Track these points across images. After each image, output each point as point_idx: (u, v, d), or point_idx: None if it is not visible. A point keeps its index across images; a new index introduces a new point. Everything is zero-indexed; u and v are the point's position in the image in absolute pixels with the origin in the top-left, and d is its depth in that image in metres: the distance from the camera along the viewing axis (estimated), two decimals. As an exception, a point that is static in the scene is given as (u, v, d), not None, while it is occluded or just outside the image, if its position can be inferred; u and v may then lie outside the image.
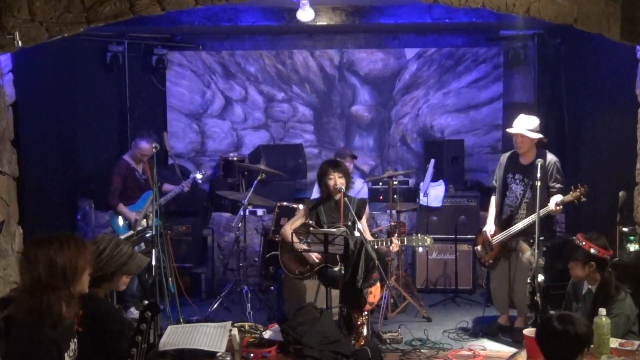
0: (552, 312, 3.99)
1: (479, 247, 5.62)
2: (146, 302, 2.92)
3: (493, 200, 5.62)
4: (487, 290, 6.33)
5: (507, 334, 5.46)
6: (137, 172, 6.32)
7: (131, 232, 5.73)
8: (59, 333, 2.70)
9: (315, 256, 5.26)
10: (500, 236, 5.39)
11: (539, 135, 5.26)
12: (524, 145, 5.27)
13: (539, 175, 4.81)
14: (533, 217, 5.02)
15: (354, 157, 7.10)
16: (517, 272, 5.36)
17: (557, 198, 5.08)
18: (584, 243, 4.19)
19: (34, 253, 2.70)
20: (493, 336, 5.40)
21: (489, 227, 5.53)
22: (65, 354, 2.75)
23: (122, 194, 6.22)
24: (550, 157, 5.29)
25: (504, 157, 5.59)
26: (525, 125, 5.25)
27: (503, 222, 5.42)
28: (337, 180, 5.25)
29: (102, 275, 3.21)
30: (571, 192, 4.97)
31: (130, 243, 3.71)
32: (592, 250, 4.15)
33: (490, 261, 5.52)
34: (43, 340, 2.64)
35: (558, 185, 5.21)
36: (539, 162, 4.90)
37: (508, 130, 5.38)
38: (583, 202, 4.97)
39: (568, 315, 3.01)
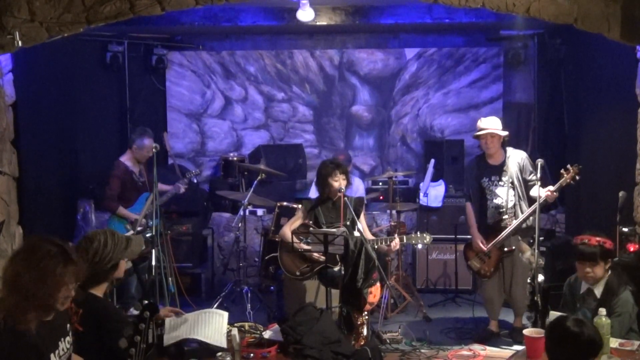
0: (559, 314, 4.00)
1: (473, 261, 5.50)
2: (145, 302, 2.91)
3: (471, 210, 5.56)
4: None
5: (498, 338, 5.46)
6: (134, 174, 6.29)
7: (131, 232, 5.73)
8: (41, 335, 2.65)
9: (316, 254, 5.26)
10: (496, 241, 5.35)
11: (506, 132, 5.37)
12: (494, 145, 5.34)
13: (539, 174, 4.82)
14: (527, 213, 5.14)
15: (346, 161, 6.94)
16: (516, 272, 5.34)
17: (540, 190, 5.07)
18: (604, 242, 4.18)
19: (28, 255, 2.64)
20: (484, 342, 5.37)
21: (479, 238, 5.44)
22: (52, 355, 2.71)
23: (120, 197, 6.18)
24: (520, 153, 5.42)
25: (471, 164, 5.65)
26: (491, 125, 5.33)
27: (493, 227, 5.38)
28: (341, 181, 5.24)
29: (112, 266, 3.26)
30: (565, 175, 5.01)
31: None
32: (609, 247, 4.18)
33: (492, 269, 5.41)
34: (20, 344, 2.58)
35: (535, 177, 5.22)
36: (539, 162, 4.94)
37: (477, 133, 5.39)
38: (578, 180, 5.03)
39: (580, 319, 2.97)
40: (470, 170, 5.61)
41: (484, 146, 5.39)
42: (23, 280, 2.59)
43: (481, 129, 5.35)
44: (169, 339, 3.87)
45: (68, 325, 2.90)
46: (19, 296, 2.59)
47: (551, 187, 5.08)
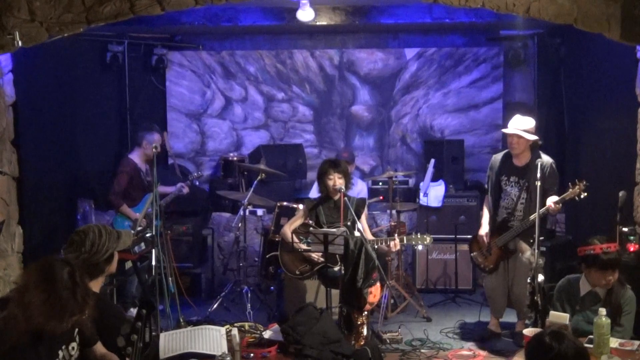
0: (558, 314, 4.00)
1: (476, 254, 5.54)
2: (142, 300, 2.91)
3: (488, 202, 5.54)
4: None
5: (499, 339, 5.46)
6: (142, 172, 6.31)
7: (131, 232, 5.72)
8: (37, 348, 2.66)
9: (316, 255, 5.27)
10: (500, 240, 5.35)
11: (535, 137, 5.22)
12: (520, 147, 5.23)
13: (538, 175, 4.80)
14: (533, 217, 5.06)
15: (349, 162, 6.94)
16: (517, 274, 5.34)
17: (554, 197, 5.07)
18: (617, 248, 4.17)
19: (44, 281, 2.65)
20: (484, 342, 5.37)
21: (485, 230, 5.44)
22: None
23: (126, 195, 6.21)
24: (547, 159, 5.25)
25: (496, 158, 5.52)
26: (521, 125, 5.21)
27: (499, 225, 5.38)
28: (336, 180, 5.25)
29: (109, 256, 3.28)
30: (570, 189, 4.96)
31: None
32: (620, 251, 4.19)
33: (491, 266, 5.44)
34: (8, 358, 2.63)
35: (554, 188, 5.20)
36: (539, 162, 4.91)
37: (503, 130, 5.34)
38: (584, 197, 4.93)
39: (560, 332, 2.90)
40: (494, 163, 5.50)
41: (509, 144, 5.31)
42: (32, 304, 2.60)
43: (509, 128, 5.25)
44: (166, 353, 3.86)
45: (76, 330, 2.90)
46: (22, 313, 2.61)
47: (555, 198, 5.02)
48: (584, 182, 4.91)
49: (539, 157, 5.20)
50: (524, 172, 5.26)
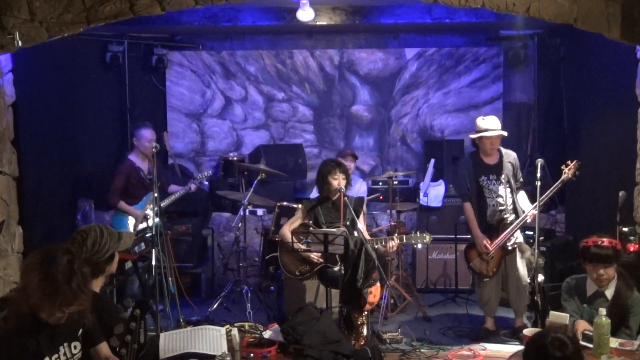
0: (558, 314, 3.99)
1: (475, 262, 5.49)
2: (137, 300, 2.88)
3: (471, 210, 5.52)
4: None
5: (496, 337, 5.46)
6: (142, 171, 6.30)
7: (132, 233, 5.72)
8: (39, 337, 2.67)
9: (315, 255, 5.27)
10: (498, 240, 5.35)
11: (506, 132, 5.47)
12: (497, 145, 5.42)
13: (539, 175, 4.81)
14: (529, 211, 5.20)
15: (355, 157, 7.06)
16: (516, 272, 5.34)
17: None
18: (615, 243, 4.17)
19: (42, 266, 2.66)
20: (481, 341, 5.36)
21: (483, 239, 5.40)
22: (47, 358, 2.71)
23: (126, 194, 6.21)
24: (512, 153, 5.54)
25: (468, 164, 5.56)
26: (497, 125, 5.39)
27: (495, 225, 5.38)
28: (340, 180, 5.25)
29: (109, 256, 3.27)
30: (565, 171, 5.05)
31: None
32: (620, 248, 4.18)
33: (494, 269, 5.41)
34: (10, 342, 2.63)
35: (521, 180, 5.51)
36: (539, 161, 4.93)
37: (487, 134, 5.36)
38: (579, 176, 5.09)
39: (562, 339, 2.77)
40: (467, 169, 5.54)
41: (488, 146, 5.38)
42: (29, 284, 2.62)
43: (486, 129, 5.35)
44: (166, 353, 3.86)
45: (80, 331, 2.89)
46: (20, 294, 2.63)
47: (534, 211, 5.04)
48: (577, 161, 5.05)
49: (504, 152, 5.48)
50: (499, 169, 5.42)
